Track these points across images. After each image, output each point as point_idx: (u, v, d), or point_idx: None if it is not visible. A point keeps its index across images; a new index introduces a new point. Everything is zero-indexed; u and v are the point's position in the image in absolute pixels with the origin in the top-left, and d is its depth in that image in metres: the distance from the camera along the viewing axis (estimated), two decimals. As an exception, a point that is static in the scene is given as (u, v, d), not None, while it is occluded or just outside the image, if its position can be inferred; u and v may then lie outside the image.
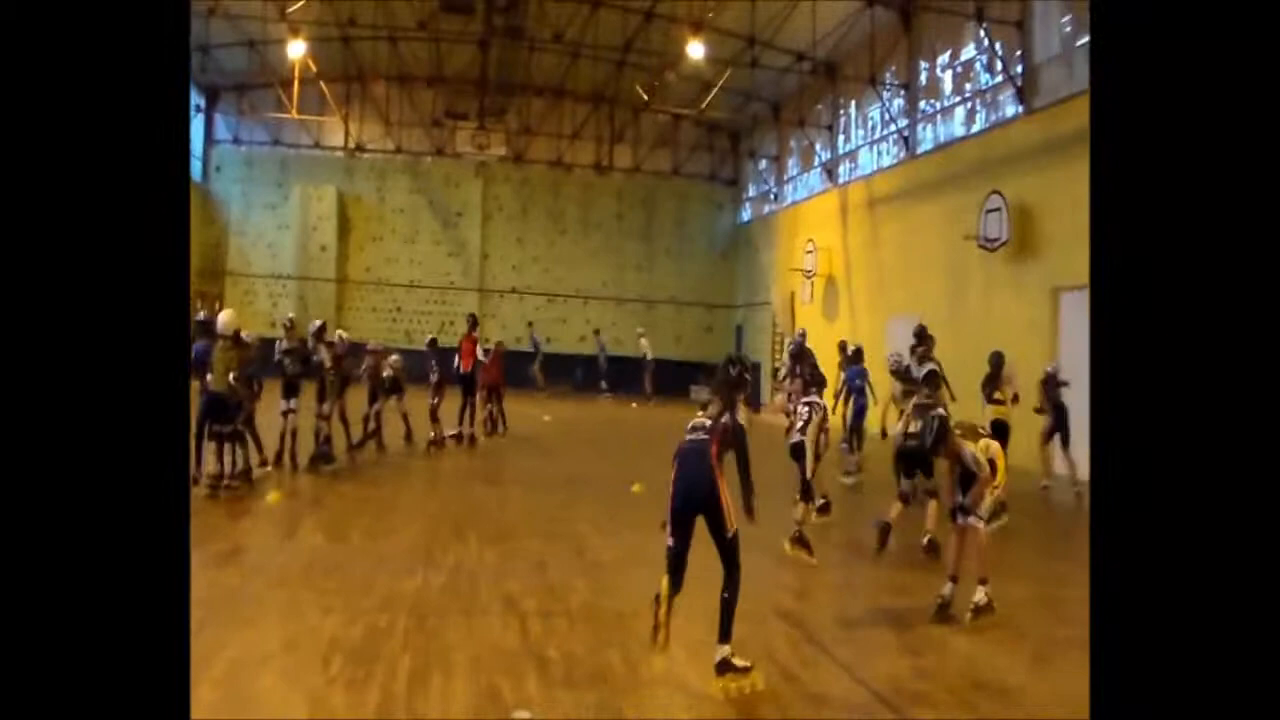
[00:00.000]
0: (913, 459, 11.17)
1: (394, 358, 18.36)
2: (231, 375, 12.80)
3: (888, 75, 27.65)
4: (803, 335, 17.19)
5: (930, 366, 13.82)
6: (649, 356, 35.10)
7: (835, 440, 14.46)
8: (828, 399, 13.09)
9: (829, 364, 16.79)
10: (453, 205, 39.54)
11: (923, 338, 15.38)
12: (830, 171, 32.11)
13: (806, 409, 11.89)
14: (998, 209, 20.87)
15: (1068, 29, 20.11)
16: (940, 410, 10.21)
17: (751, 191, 40.50)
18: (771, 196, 37.83)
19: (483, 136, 37.98)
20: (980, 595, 8.55)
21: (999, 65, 22.16)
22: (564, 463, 18.75)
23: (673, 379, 36.64)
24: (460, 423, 19.59)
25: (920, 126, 26.49)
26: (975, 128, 23.80)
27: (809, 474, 11.51)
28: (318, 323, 17.01)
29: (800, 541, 10.82)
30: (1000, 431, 12.54)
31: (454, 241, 39.46)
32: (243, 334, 13.49)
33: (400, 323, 36.43)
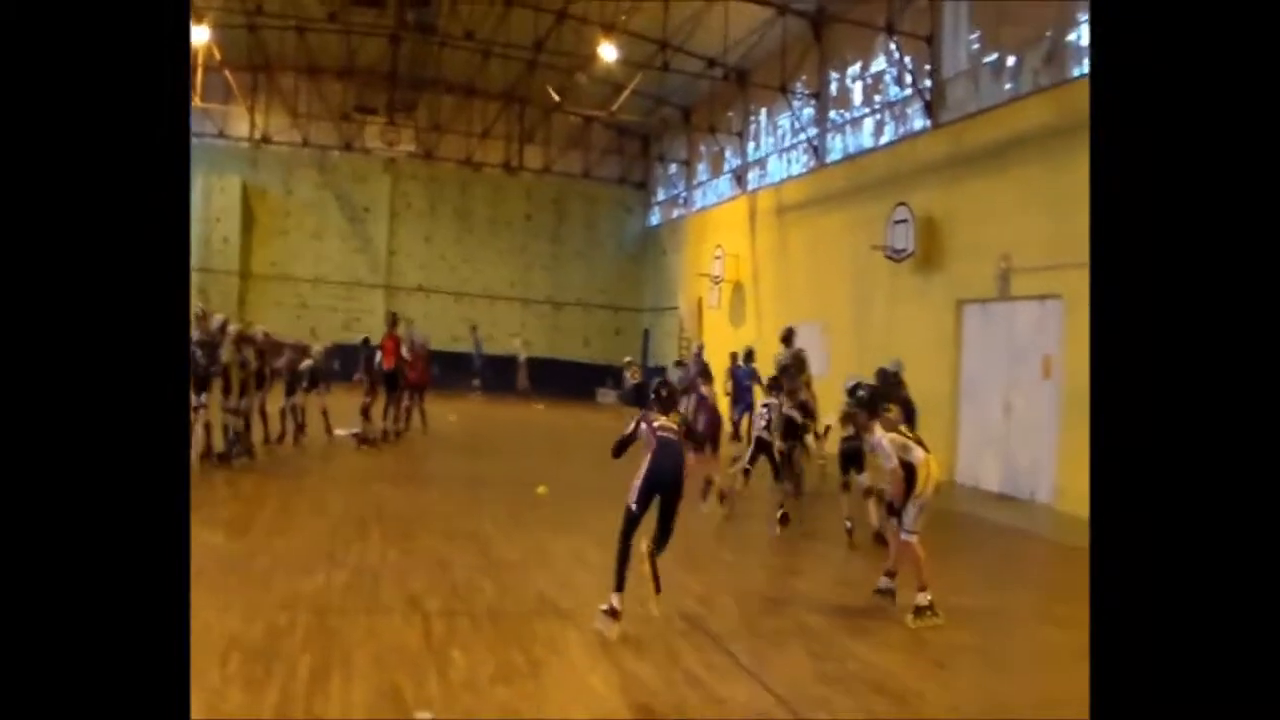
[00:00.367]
0: (848, 456, 12.40)
1: (316, 349, 18.40)
2: None
3: (798, 84, 27.87)
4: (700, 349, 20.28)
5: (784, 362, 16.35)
6: (523, 357, 35.11)
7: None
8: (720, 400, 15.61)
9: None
10: (360, 201, 39.12)
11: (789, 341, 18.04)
12: (739, 178, 32.30)
13: (766, 409, 14.12)
14: (904, 220, 21.13)
15: (975, 46, 20.44)
16: (773, 400, 14.07)
17: (661, 195, 40.63)
18: (681, 201, 37.97)
19: (392, 132, 37.65)
20: (921, 599, 8.95)
21: (908, 79, 22.47)
22: (469, 463, 18.65)
23: (581, 381, 36.70)
24: (384, 419, 19.66)
25: (829, 136, 26.74)
26: (884, 139, 24.06)
27: (777, 463, 13.88)
28: (219, 318, 16.66)
29: (784, 520, 12.93)
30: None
31: (361, 238, 39.03)
32: None
33: (305, 318, 35.89)
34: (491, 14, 31.76)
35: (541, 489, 14.63)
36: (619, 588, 8.09)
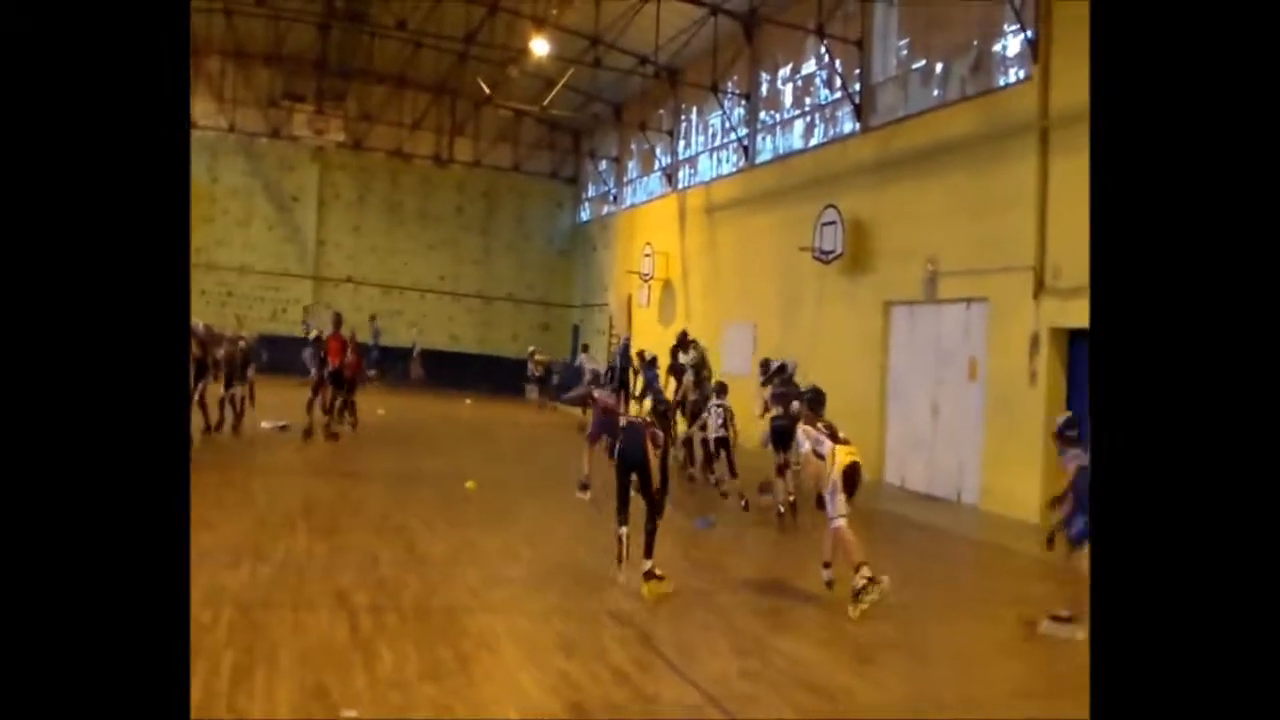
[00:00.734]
0: (779, 434, 14.03)
1: (247, 335, 18.56)
2: None
3: (729, 84, 27.97)
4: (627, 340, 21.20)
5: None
6: (418, 348, 34.79)
7: None
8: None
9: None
10: (288, 190, 38.66)
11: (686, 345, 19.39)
12: (670, 176, 32.37)
13: (721, 409, 15.55)
14: (833, 222, 21.30)
15: (904, 52, 20.66)
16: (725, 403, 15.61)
17: (591, 191, 40.61)
18: (611, 198, 37.98)
19: (321, 121, 37.26)
20: (858, 579, 9.39)
21: (838, 82, 22.63)
22: (397, 457, 18.55)
23: (509, 377, 36.59)
24: (327, 414, 19.83)
25: (759, 137, 26.87)
26: (813, 141, 24.23)
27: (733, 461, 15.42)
28: None
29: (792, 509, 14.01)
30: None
31: (288, 226, 38.58)
32: None
33: (230, 307, 35.39)
34: (423, 4, 31.58)
35: (470, 484, 14.62)
36: (647, 555, 9.68)
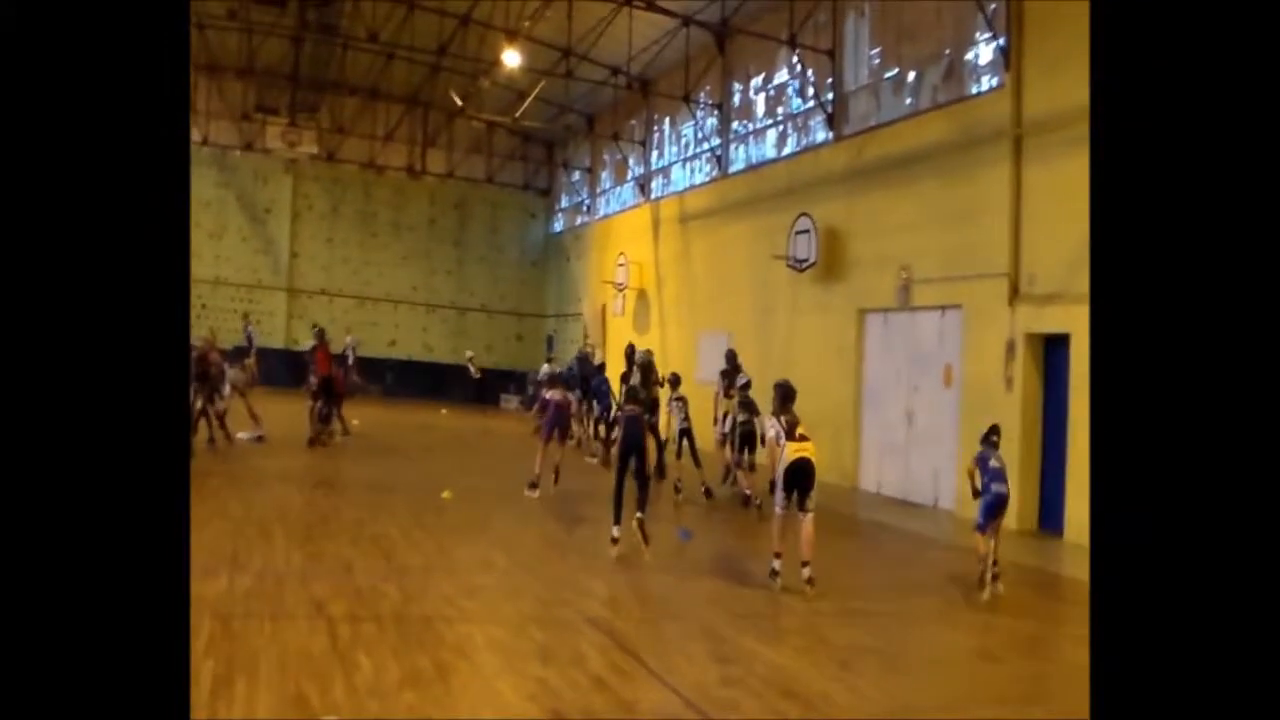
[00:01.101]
0: (745, 438, 15.82)
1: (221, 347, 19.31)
2: None
3: (702, 94, 28.06)
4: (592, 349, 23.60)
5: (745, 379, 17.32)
6: (352, 357, 34.45)
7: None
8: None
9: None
10: (261, 202, 38.56)
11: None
12: (643, 186, 32.40)
13: (679, 402, 17.17)
14: (806, 231, 21.37)
15: (876, 61, 20.76)
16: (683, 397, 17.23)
17: (565, 202, 40.62)
18: (585, 208, 38.01)
19: (294, 133, 37.13)
20: (774, 563, 10.59)
21: (810, 91, 22.73)
22: (373, 467, 18.49)
23: (484, 387, 36.55)
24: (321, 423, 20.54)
25: (732, 146, 26.94)
26: (786, 150, 24.31)
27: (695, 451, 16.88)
28: None
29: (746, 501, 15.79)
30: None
31: (262, 239, 38.47)
32: None
33: (205, 320, 35.17)
34: (395, 17, 31.57)
35: (446, 494, 14.60)
36: (616, 521, 11.71)
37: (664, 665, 7.53)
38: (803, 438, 10.71)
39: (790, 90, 24.25)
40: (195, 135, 37.26)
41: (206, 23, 33.25)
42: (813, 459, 10.73)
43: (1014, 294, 15.87)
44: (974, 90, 17.64)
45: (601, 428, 21.06)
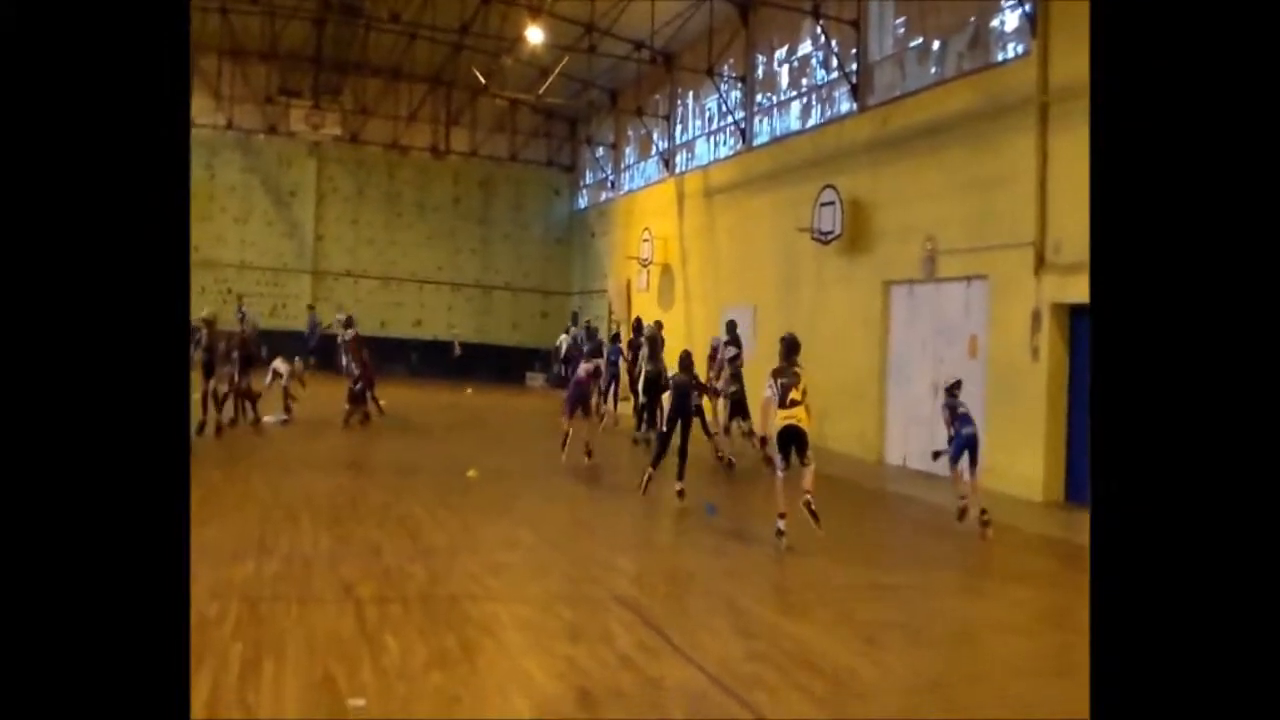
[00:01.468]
0: (736, 405, 17.16)
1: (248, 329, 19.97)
2: None
3: (725, 68, 27.91)
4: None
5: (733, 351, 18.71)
6: (342, 336, 33.62)
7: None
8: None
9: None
10: (286, 185, 38.66)
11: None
12: (667, 161, 32.32)
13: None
14: (831, 203, 21.27)
15: (901, 30, 20.60)
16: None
17: (589, 179, 40.55)
18: (609, 184, 37.93)
19: (317, 116, 37.14)
20: (779, 524, 11.19)
21: (834, 62, 22.58)
22: (398, 447, 18.59)
23: (509, 365, 36.68)
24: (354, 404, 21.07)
25: (756, 119, 26.82)
26: (810, 122, 24.17)
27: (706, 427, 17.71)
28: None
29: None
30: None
31: (287, 222, 38.57)
32: None
33: (231, 304, 35.38)
34: (417, -4, 31.57)
35: (471, 473, 14.64)
36: (680, 476, 13.64)
37: (690, 641, 7.54)
38: (794, 403, 11.23)
39: (814, 61, 24.11)
40: (219, 120, 37.41)
41: (230, 7, 33.36)
42: (802, 424, 11.31)
43: (1040, 263, 15.76)
44: (1000, 58, 17.49)
45: (610, 396, 23.14)
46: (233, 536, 10.02)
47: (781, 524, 11.19)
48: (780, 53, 25.73)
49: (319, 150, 38.54)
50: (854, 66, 21.90)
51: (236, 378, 18.86)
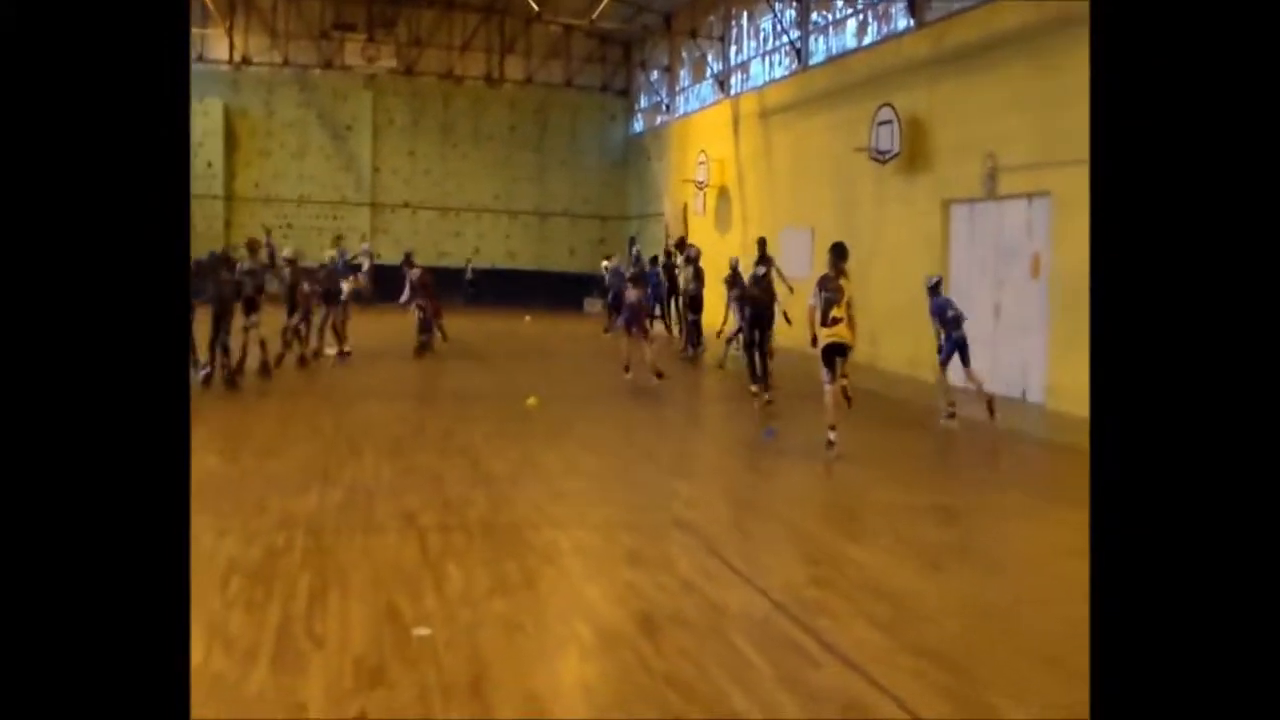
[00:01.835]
0: (759, 317, 16.75)
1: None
2: None
3: (780, -14, 27.53)
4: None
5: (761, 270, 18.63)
6: (366, 265, 33.09)
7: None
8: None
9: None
10: (342, 119, 38.75)
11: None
12: (722, 83, 31.96)
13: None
14: (889, 121, 20.99)
15: (958, -59, 20.15)
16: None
17: (644, 103, 40.25)
18: (664, 108, 37.62)
19: (372, 49, 37.16)
20: (829, 435, 11.66)
21: (891, -23, 22.19)
22: (458, 377, 18.73)
23: (568, 291, 36.75)
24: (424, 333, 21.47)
25: (812, 38, 26.43)
26: (867, 40, 23.78)
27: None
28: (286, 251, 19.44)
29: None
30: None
31: (344, 155, 38.71)
32: None
33: (291, 239, 35.50)
34: (468, -76, 31.30)
35: (531, 400, 14.69)
36: (753, 381, 15.83)
37: (752, 567, 7.55)
38: (835, 320, 11.62)
39: (870, -23, 23.70)
40: (276, 57, 37.66)
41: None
42: (845, 340, 11.79)
43: (1104, 178, 15.44)
44: (1059, -32, 17.07)
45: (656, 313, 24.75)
46: (298, 468, 10.16)
47: (832, 435, 11.62)
48: (836, -31, 25.30)
49: (374, 83, 38.55)
50: (911, -19, 21.48)
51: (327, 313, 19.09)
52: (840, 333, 11.66)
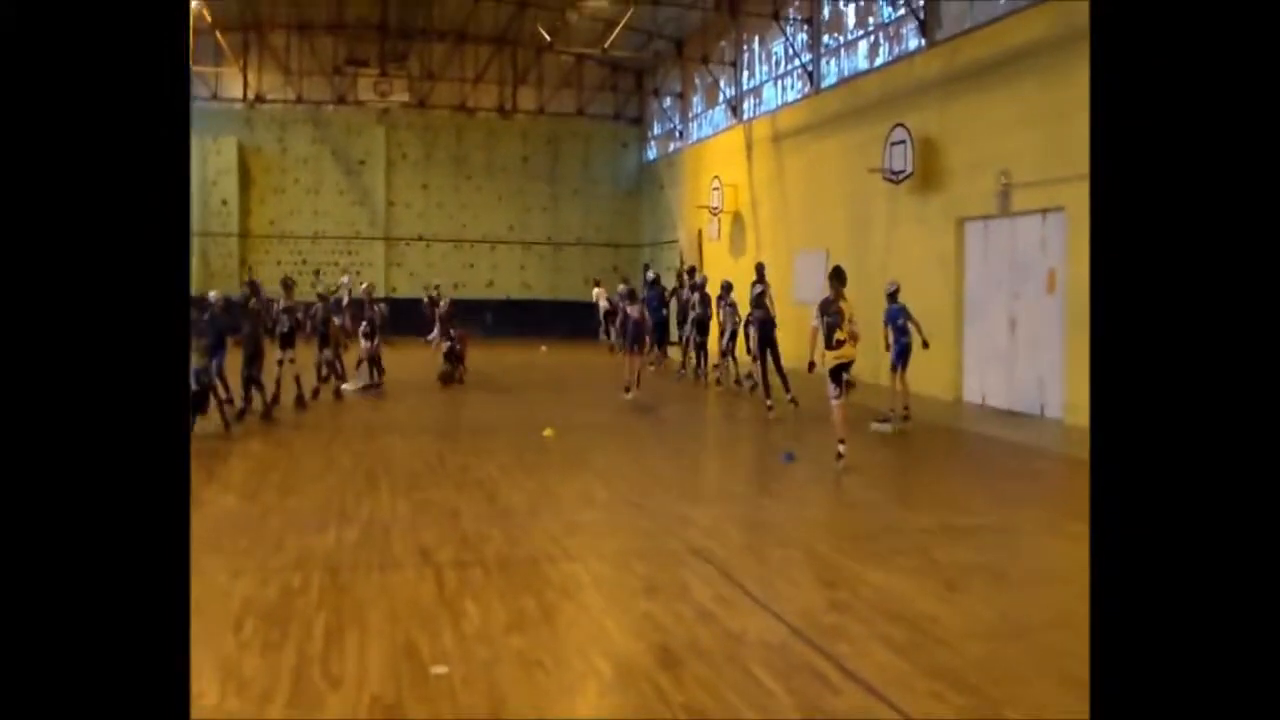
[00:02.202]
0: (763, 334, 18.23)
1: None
2: None
3: (791, 10, 27.58)
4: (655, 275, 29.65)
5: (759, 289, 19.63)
6: (346, 299, 33.06)
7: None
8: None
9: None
10: (356, 154, 38.99)
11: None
12: (734, 108, 32.04)
13: (732, 308, 21.62)
14: (902, 141, 21.01)
15: (966, -40, 20.18)
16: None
17: (657, 130, 40.36)
18: (677, 134, 37.72)
19: (385, 83, 37.40)
20: (839, 448, 12.25)
21: (900, -2, 22.22)
22: (474, 407, 18.75)
23: (583, 321, 36.75)
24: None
25: (824, 61, 26.48)
26: (878, 61, 23.83)
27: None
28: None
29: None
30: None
31: (358, 190, 38.93)
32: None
33: (306, 275, 35.75)
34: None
35: (548, 431, 14.68)
36: (767, 395, 17.32)
37: (769, 593, 7.51)
38: (839, 343, 12.32)
39: (881, -1, 23.75)
40: (289, 94, 37.92)
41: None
42: (851, 359, 12.50)
43: (1118, 193, 15.38)
44: (1069, -16, 17.07)
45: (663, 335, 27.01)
46: (315, 506, 10.16)
47: (841, 448, 12.21)
48: (845, -8, 25.36)
49: (387, 117, 38.79)
50: (921, 2, 21.49)
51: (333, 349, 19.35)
52: (846, 353, 12.39)
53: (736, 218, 30.95)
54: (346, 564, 8.11)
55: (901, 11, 22.49)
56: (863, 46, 24.63)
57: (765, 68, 30.44)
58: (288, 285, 18.00)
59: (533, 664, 6.01)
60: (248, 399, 16.06)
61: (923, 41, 21.58)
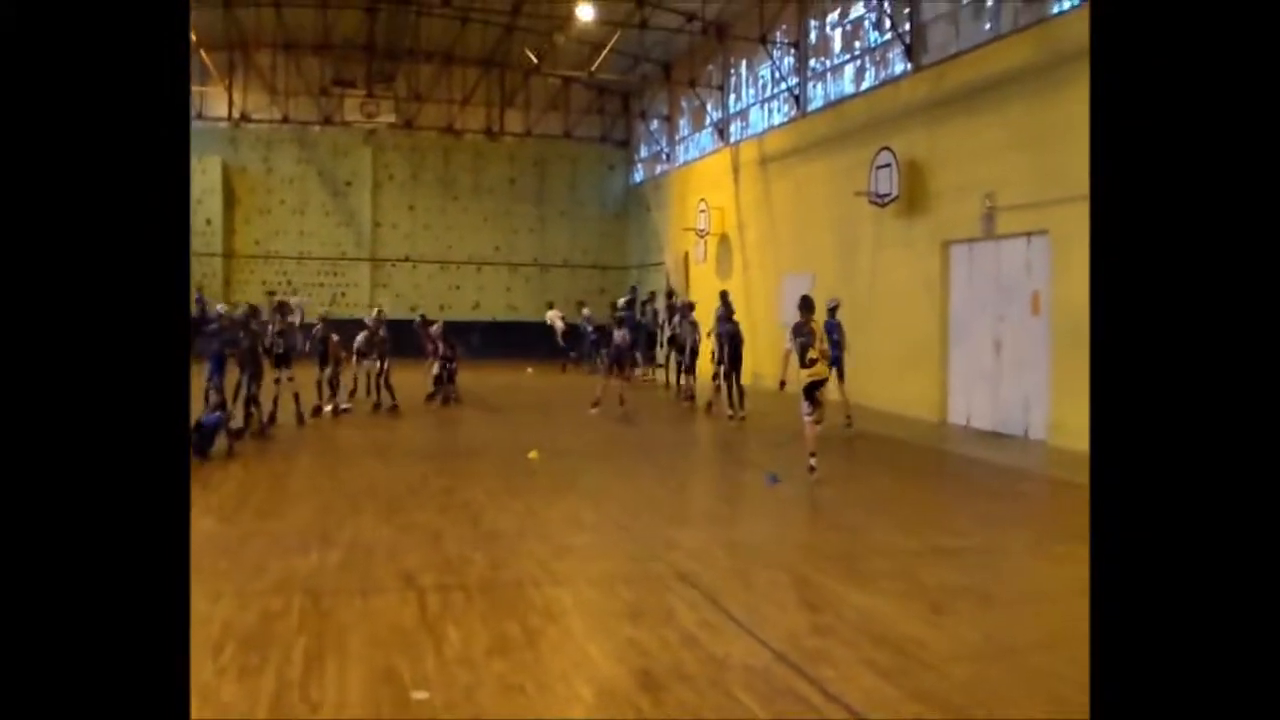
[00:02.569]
0: (733, 353, 19.88)
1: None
2: None
3: (778, 34, 27.66)
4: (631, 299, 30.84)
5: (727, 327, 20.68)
6: (299, 320, 33.00)
7: None
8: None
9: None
10: (342, 174, 38.90)
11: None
12: (721, 131, 32.11)
13: (693, 325, 23.50)
14: (888, 165, 21.07)
15: (952, -14, 20.29)
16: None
17: (643, 152, 40.41)
18: (664, 157, 37.77)
19: (371, 104, 37.39)
20: (810, 461, 12.88)
21: (888, 23, 22.29)
22: (460, 430, 18.70)
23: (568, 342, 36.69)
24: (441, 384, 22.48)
25: (810, 84, 26.56)
26: (865, 85, 23.92)
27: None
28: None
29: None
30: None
31: (344, 211, 38.84)
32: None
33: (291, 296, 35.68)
34: (467, -21, 31.55)
35: (533, 454, 14.64)
36: (729, 406, 19.33)
37: (753, 617, 7.46)
38: (813, 361, 12.93)
39: (867, 24, 23.84)
40: (275, 114, 37.84)
41: (283, 1, 33.56)
42: (824, 376, 13.17)
43: (1102, 216, 15.42)
44: (1055, 10, 17.16)
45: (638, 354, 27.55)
46: (296, 530, 10.08)
47: (813, 461, 12.85)
48: (833, 16, 25.47)
49: (374, 138, 38.76)
50: (907, 26, 21.61)
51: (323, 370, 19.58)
52: (819, 371, 13.03)
53: (723, 240, 30.98)
54: (328, 588, 8.04)
55: (888, 36, 22.59)
56: (849, 70, 24.72)
57: (752, 91, 30.52)
58: (282, 310, 18.67)
59: (514, 689, 5.95)
60: (247, 419, 16.22)
61: (908, 66, 21.66)
